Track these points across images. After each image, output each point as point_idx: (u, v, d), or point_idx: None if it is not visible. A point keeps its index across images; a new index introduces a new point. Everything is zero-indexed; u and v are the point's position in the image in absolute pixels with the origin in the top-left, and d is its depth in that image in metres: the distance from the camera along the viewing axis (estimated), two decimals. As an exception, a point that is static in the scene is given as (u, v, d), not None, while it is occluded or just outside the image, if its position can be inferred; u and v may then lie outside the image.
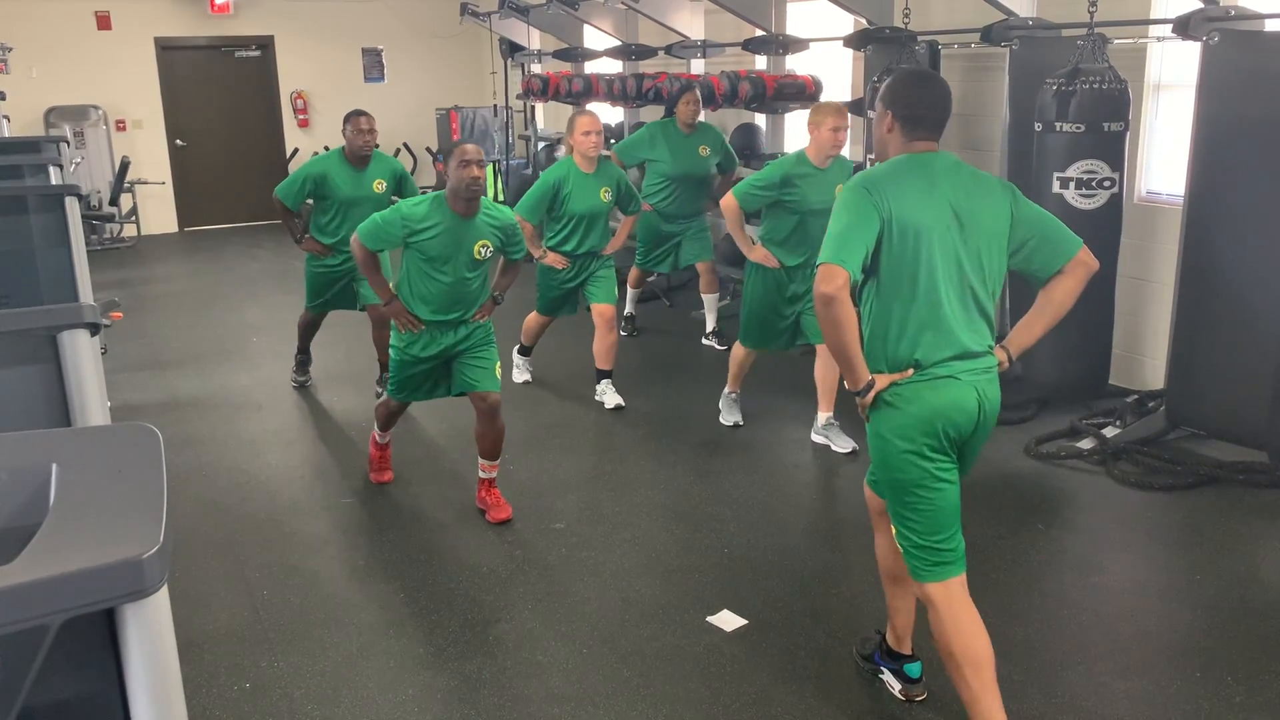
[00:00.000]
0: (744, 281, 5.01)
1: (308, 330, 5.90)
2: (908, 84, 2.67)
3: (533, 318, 5.76)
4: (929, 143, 2.63)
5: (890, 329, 2.57)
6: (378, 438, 4.55)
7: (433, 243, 3.96)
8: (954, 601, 2.63)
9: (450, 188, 3.95)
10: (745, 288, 4.93)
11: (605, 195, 5.35)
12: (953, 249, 2.53)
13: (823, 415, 4.95)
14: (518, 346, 5.95)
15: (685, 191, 6.35)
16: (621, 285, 6.29)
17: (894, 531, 2.69)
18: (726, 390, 5.27)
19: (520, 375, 5.97)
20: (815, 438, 4.98)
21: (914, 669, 2.97)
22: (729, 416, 5.27)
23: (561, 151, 7.00)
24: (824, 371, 4.87)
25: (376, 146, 5.53)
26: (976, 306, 2.60)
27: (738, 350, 5.07)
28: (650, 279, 7.18)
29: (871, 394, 2.56)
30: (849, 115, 4.78)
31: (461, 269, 4.02)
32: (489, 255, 4.08)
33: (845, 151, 6.78)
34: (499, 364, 4.18)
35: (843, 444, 4.85)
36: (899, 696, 2.97)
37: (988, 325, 2.64)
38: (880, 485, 2.74)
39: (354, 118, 5.46)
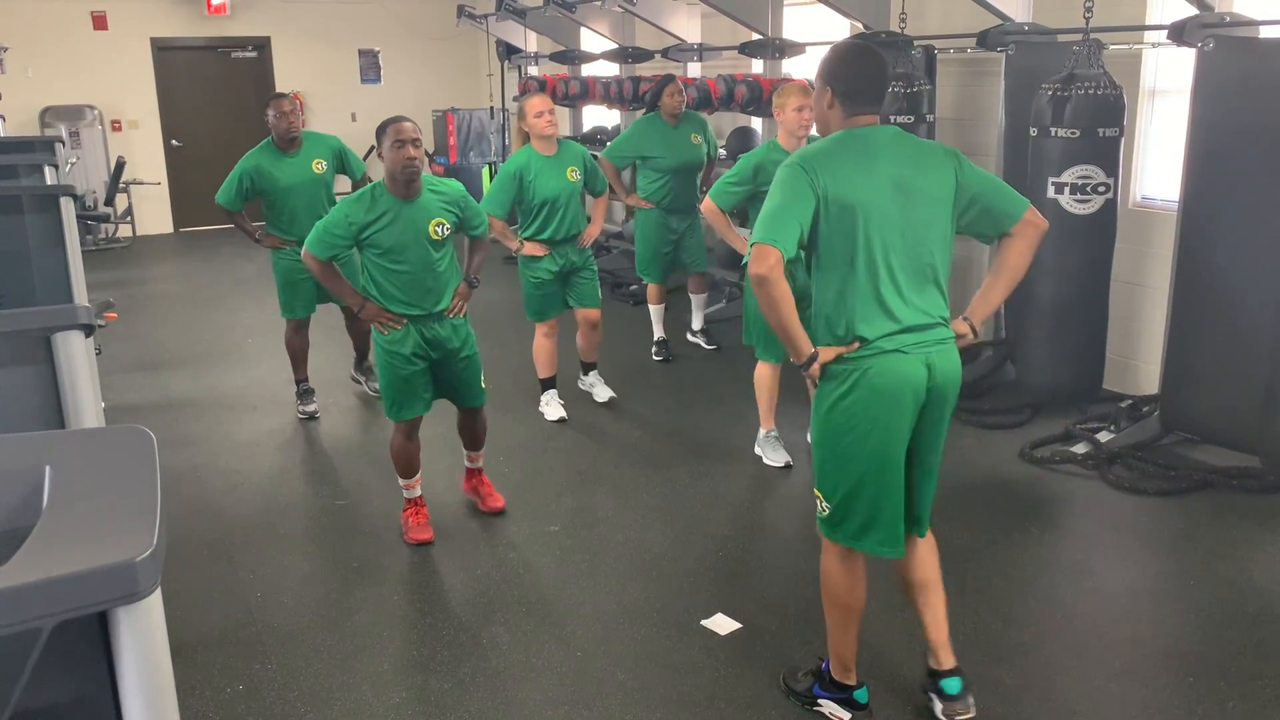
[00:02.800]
0: (743, 290, 4.83)
1: (299, 353, 5.58)
2: (844, 58, 2.67)
3: (536, 344, 5.42)
4: (870, 116, 2.64)
5: (833, 305, 2.60)
6: (405, 491, 4.09)
7: (384, 234, 3.73)
8: (855, 566, 2.77)
9: (387, 171, 3.74)
10: (746, 297, 4.70)
11: (572, 175, 5.13)
12: (895, 222, 2.55)
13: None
14: (539, 384, 5.52)
15: (681, 183, 6.21)
16: (641, 300, 5.95)
17: (817, 491, 2.75)
18: (763, 431, 4.80)
19: (555, 412, 5.42)
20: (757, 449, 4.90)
21: (953, 684, 2.81)
22: (775, 457, 4.76)
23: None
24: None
25: (301, 127, 5.33)
26: (926, 277, 2.61)
27: (761, 372, 4.69)
28: (669, 289, 6.71)
29: (815, 365, 2.60)
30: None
31: (421, 253, 3.79)
32: (447, 234, 3.85)
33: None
34: (483, 372, 4.10)
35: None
36: (941, 717, 2.83)
37: (940, 295, 2.65)
38: (814, 449, 2.76)
39: (276, 101, 5.27)
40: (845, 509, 2.69)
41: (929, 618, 2.85)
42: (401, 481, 4.09)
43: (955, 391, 2.66)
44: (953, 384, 2.64)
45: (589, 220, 5.33)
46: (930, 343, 2.60)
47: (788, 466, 4.73)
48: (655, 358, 6.50)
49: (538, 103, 5.06)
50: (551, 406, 5.48)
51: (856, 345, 2.57)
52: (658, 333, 6.56)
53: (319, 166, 5.35)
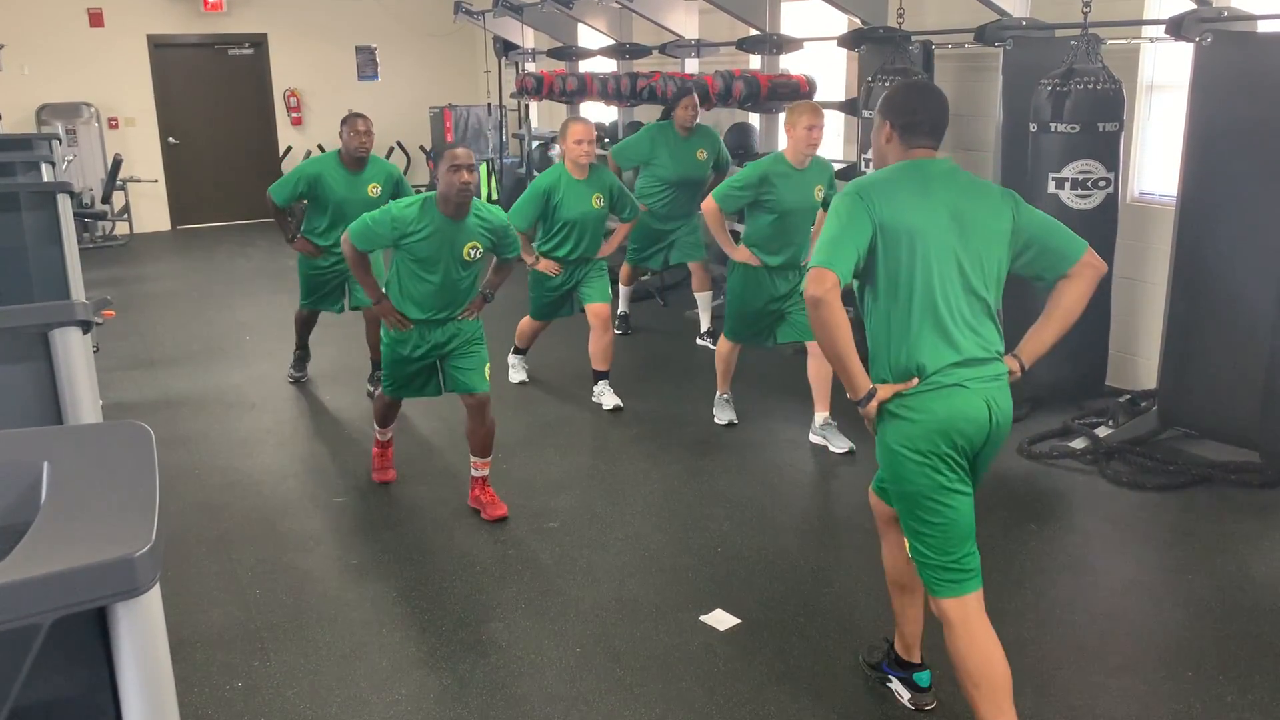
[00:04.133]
0: (726, 279, 5.05)
1: (304, 327, 5.94)
2: (905, 93, 2.69)
3: (526, 322, 5.79)
4: (927, 150, 2.62)
5: (891, 335, 2.53)
6: (378, 435, 4.58)
7: (422, 245, 3.96)
8: (970, 619, 2.58)
9: (440, 192, 3.94)
10: (729, 285, 4.99)
11: (597, 202, 5.34)
12: (950, 251, 2.50)
13: (819, 415, 4.94)
14: (513, 348, 5.97)
15: (681, 195, 6.40)
16: (614, 284, 6.22)
17: (908, 545, 2.66)
18: (718, 393, 5.29)
19: (516, 375, 5.96)
20: (813, 438, 4.96)
21: (923, 678, 2.94)
22: (723, 415, 5.27)
23: (557, 151, 6.95)
24: (817, 370, 4.88)
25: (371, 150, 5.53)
26: (982, 310, 2.55)
27: (722, 345, 5.12)
28: (644, 277, 7.32)
29: (873, 403, 2.51)
30: (825, 114, 4.78)
31: (451, 270, 4.02)
32: (479, 256, 4.07)
33: (838, 152, 6.78)
34: (488, 364, 4.22)
35: (840, 444, 4.84)
36: (908, 706, 2.94)
37: (996, 329, 2.59)
38: (891, 496, 2.69)
39: (351, 119, 5.46)
40: (947, 556, 2.59)
41: (914, 615, 2.94)
42: (376, 427, 4.55)
43: (1009, 431, 2.62)
44: (1009, 424, 2.60)
45: (605, 238, 5.60)
46: (988, 378, 2.53)
47: (730, 425, 5.18)
48: (615, 331, 6.61)
49: (579, 130, 5.29)
50: (516, 370, 5.94)
51: (915, 381, 2.49)
52: (621, 308, 6.93)
53: (374, 190, 5.49)
